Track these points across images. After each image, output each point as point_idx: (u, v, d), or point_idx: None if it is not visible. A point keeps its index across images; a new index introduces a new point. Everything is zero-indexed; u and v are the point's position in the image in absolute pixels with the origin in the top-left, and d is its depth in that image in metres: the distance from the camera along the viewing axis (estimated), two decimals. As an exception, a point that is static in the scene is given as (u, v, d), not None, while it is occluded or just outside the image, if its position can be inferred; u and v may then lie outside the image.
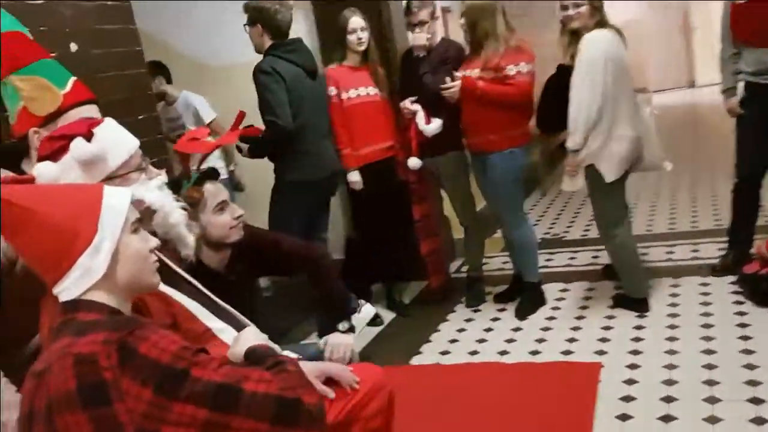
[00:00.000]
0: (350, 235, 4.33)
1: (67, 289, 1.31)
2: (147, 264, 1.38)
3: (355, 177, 3.76)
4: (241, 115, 2.24)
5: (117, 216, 1.35)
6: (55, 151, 1.52)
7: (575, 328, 3.49)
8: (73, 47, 2.27)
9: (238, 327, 1.82)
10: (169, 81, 4.65)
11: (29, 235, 1.30)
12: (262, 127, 3.18)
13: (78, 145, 1.50)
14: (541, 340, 3.43)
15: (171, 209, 1.65)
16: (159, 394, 1.16)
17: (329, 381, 1.98)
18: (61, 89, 1.79)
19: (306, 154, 3.43)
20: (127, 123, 2.37)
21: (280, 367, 1.32)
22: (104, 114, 2.38)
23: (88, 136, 1.51)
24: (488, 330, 3.68)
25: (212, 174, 2.22)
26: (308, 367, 1.97)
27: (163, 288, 1.63)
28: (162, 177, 1.68)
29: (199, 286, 1.82)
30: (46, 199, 1.32)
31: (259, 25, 3.38)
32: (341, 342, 2.35)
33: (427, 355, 3.50)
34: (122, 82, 2.45)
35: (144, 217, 1.60)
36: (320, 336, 2.44)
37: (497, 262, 4.72)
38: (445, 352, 3.50)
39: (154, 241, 1.43)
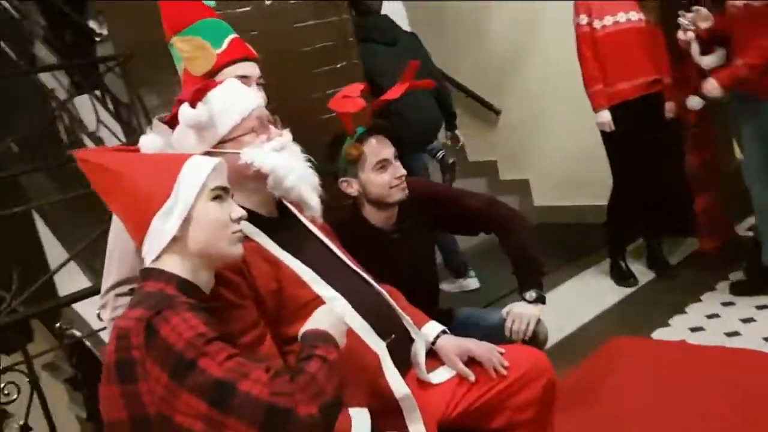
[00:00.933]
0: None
1: (147, 253, 1.36)
2: (223, 232, 1.36)
3: (604, 117, 3.30)
4: (413, 66, 2.07)
5: (193, 182, 1.35)
6: (173, 116, 1.57)
7: None
8: (268, 1, 2.33)
9: (368, 292, 1.74)
10: None
11: (119, 199, 1.39)
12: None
13: (183, 111, 1.52)
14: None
15: (287, 172, 1.59)
16: (172, 379, 1.15)
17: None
18: (217, 48, 1.82)
19: None
20: (326, 71, 2.41)
21: (301, 365, 1.21)
22: (302, 63, 2.45)
23: (193, 102, 1.52)
24: (762, 308, 2.99)
25: (379, 128, 2.11)
26: (449, 345, 1.85)
27: (276, 251, 1.61)
28: (282, 138, 1.64)
29: (332, 247, 1.77)
30: (133, 165, 1.38)
31: None
32: (524, 312, 2.13)
33: (675, 329, 3.00)
34: (321, 31, 2.45)
35: (257, 180, 1.60)
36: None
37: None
38: (697, 329, 2.96)
39: (238, 212, 1.40)
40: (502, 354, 1.81)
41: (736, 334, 2.84)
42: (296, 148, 1.69)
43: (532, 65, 4.62)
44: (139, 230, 1.36)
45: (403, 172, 2.10)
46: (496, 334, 2.08)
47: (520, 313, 2.12)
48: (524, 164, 4.99)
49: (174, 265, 1.34)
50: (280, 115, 2.27)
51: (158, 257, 1.35)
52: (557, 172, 4.74)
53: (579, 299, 3.50)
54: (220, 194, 1.38)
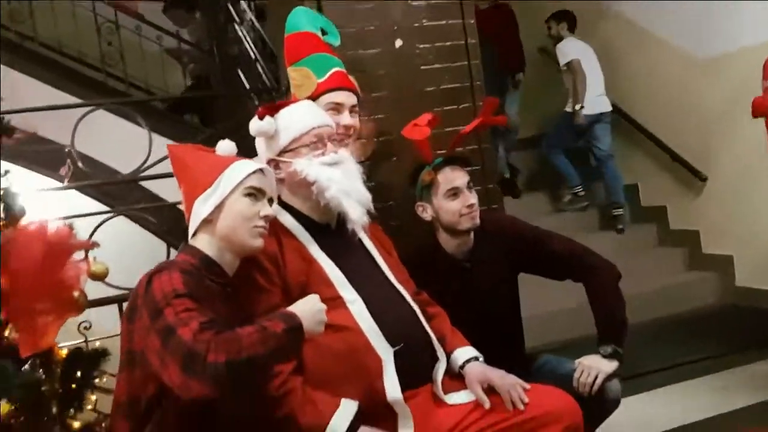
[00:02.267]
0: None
1: (190, 230, 1.68)
2: (247, 224, 1.62)
3: None
4: (492, 104, 2.16)
5: (233, 178, 1.65)
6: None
7: None
8: (398, 43, 2.58)
9: (394, 302, 1.86)
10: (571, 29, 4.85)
11: (182, 183, 1.73)
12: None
13: (253, 122, 1.83)
14: None
15: (329, 183, 1.80)
16: (149, 321, 1.43)
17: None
18: (320, 78, 2.13)
19: None
20: (447, 111, 2.62)
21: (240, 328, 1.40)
22: (426, 102, 2.67)
23: (262, 115, 1.82)
24: None
25: (457, 160, 2.23)
26: (474, 371, 1.90)
27: (313, 250, 1.82)
28: (337, 156, 1.86)
29: (377, 258, 1.93)
30: (198, 159, 1.73)
31: None
32: (594, 366, 2.07)
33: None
34: (446, 74, 2.64)
35: (307, 188, 1.83)
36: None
37: None
38: None
39: (267, 211, 1.66)
40: (526, 390, 1.80)
41: None
42: (353, 167, 1.91)
43: (742, 130, 4.23)
44: (187, 210, 1.68)
45: (474, 201, 2.19)
46: (565, 384, 2.04)
47: (589, 366, 2.06)
48: (729, 238, 4.53)
49: (204, 244, 1.64)
50: (393, 149, 2.55)
51: (194, 235, 1.65)
52: (766, 251, 4.23)
53: (735, 388, 3.13)
54: (254, 193, 1.66)
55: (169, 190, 3.13)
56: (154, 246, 3.92)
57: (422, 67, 2.61)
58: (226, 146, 1.80)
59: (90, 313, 2.13)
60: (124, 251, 3.27)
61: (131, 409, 1.51)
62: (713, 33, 4.35)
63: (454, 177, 2.20)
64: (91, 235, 2.46)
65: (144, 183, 3.78)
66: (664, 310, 4.14)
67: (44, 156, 3.71)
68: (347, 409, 1.65)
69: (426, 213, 2.26)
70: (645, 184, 5.14)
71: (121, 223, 3.22)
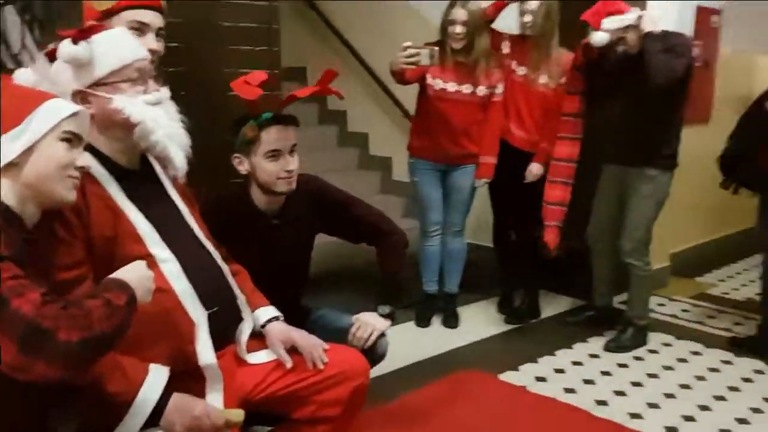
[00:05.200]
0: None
1: None
2: (60, 174, 1.40)
3: None
4: (331, 75, 2.14)
5: (48, 118, 1.40)
6: (54, 51, 1.61)
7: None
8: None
9: (206, 262, 1.80)
10: None
11: None
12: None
13: (63, 46, 1.57)
14: (654, 405, 2.88)
15: (156, 126, 1.64)
16: None
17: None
18: (121, -10, 1.87)
19: None
20: (245, 51, 2.45)
21: (81, 299, 1.27)
22: (222, 37, 2.49)
23: (76, 39, 1.56)
24: (606, 374, 3.18)
25: (286, 119, 2.15)
26: (276, 331, 1.92)
27: (121, 201, 1.65)
28: (159, 94, 1.69)
29: (183, 211, 1.82)
30: (5, 90, 1.42)
31: None
32: (371, 321, 2.22)
33: (523, 375, 3.15)
34: (247, 10, 2.51)
35: (123, 129, 1.64)
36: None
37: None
38: (541, 379, 3.12)
39: (83, 161, 1.45)
40: (325, 350, 1.90)
41: (571, 391, 3.00)
42: (172, 107, 1.76)
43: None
44: None
45: (295, 166, 2.14)
46: (340, 337, 2.18)
47: (366, 322, 2.21)
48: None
49: (6, 187, 1.37)
50: (186, 80, 2.33)
51: None
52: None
53: (462, 325, 3.68)
54: (71, 138, 1.43)
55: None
56: None
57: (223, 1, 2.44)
58: (25, 75, 1.52)
59: None
60: None
61: None
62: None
63: (278, 138, 2.11)
64: None
65: None
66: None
67: None
68: (158, 376, 1.56)
69: (242, 167, 2.17)
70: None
71: None
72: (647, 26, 2.95)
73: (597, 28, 2.92)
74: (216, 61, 2.45)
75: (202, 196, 2.05)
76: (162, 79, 1.75)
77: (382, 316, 2.26)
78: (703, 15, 4.37)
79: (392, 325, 2.30)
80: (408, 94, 3.78)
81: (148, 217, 1.68)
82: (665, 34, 3.12)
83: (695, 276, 4.71)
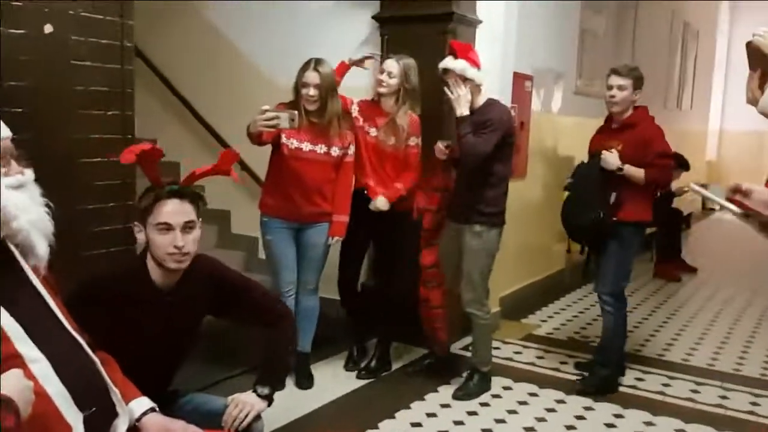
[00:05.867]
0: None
1: None
2: None
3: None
4: (231, 157, 2.13)
5: None
6: None
7: None
8: (48, 29, 2.21)
9: (78, 357, 1.65)
10: None
11: None
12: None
13: None
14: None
15: (18, 211, 1.50)
16: None
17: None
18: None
19: None
20: (95, 115, 2.30)
21: None
22: (73, 101, 2.33)
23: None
24: (459, 423, 3.33)
25: (187, 195, 2.06)
26: (153, 424, 1.81)
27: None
28: (23, 177, 1.55)
29: (50, 303, 1.66)
30: None
31: None
32: (248, 401, 2.14)
33: (400, 422, 3.22)
34: (98, 74, 2.37)
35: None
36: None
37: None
38: (416, 425, 3.20)
39: None
40: (204, 442, 1.81)
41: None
42: (36, 191, 1.61)
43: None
44: None
45: (181, 244, 2.03)
46: (212, 420, 2.08)
47: (243, 401, 2.13)
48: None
49: None
50: (33, 148, 2.14)
51: None
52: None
53: (316, 384, 3.67)
54: None
55: None
56: None
57: (72, 62, 2.28)
58: None
59: None
60: None
61: None
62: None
63: (172, 212, 2.02)
64: None
65: None
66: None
67: None
68: None
69: (140, 235, 2.07)
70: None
71: None
72: (462, 109, 3.36)
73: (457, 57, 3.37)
74: (64, 127, 2.27)
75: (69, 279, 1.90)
76: (24, 161, 1.60)
77: (261, 397, 2.19)
78: (519, 81, 4.84)
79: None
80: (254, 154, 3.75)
81: (12, 312, 1.51)
82: (483, 109, 3.47)
83: (521, 317, 5.10)
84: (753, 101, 1.60)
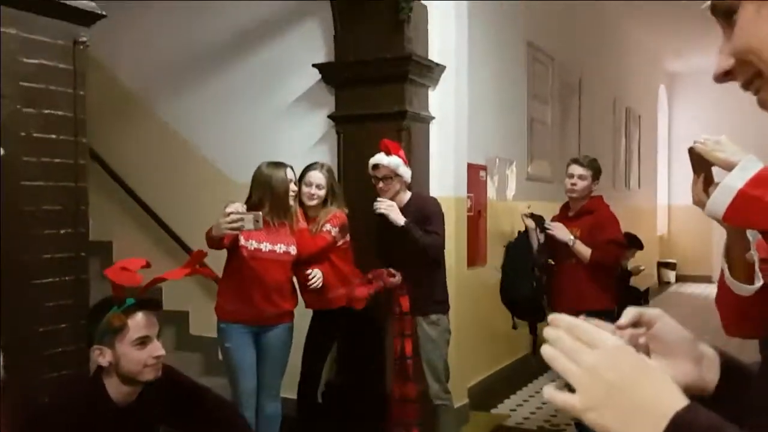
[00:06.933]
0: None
1: None
2: None
3: None
4: (200, 255, 2.11)
5: None
6: None
7: None
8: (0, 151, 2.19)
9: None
10: None
11: None
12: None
13: None
14: None
15: None
16: None
17: None
18: None
19: None
20: (48, 235, 2.25)
21: None
22: (23, 222, 2.28)
23: None
24: None
25: (151, 304, 2.06)
26: None
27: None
28: None
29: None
30: None
31: None
32: None
33: None
34: (50, 194, 2.34)
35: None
36: None
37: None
38: None
39: None
40: None
41: None
42: None
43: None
44: None
45: (162, 352, 2.03)
46: None
47: None
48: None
49: None
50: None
51: None
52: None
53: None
54: None
55: None
56: None
57: (23, 183, 2.26)
58: None
59: None
60: None
61: None
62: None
63: (146, 325, 2.01)
64: None
65: None
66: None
67: None
68: None
69: (103, 358, 1.99)
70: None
71: None
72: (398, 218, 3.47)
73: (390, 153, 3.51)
74: (14, 248, 2.22)
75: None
76: None
77: None
78: (474, 171, 4.95)
79: None
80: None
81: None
82: (414, 203, 3.61)
83: (490, 407, 5.02)
84: (699, 204, 1.65)
